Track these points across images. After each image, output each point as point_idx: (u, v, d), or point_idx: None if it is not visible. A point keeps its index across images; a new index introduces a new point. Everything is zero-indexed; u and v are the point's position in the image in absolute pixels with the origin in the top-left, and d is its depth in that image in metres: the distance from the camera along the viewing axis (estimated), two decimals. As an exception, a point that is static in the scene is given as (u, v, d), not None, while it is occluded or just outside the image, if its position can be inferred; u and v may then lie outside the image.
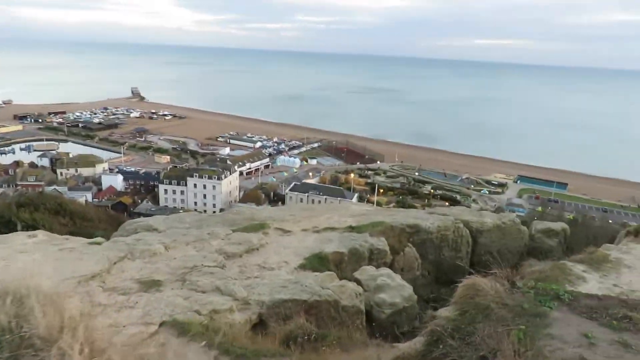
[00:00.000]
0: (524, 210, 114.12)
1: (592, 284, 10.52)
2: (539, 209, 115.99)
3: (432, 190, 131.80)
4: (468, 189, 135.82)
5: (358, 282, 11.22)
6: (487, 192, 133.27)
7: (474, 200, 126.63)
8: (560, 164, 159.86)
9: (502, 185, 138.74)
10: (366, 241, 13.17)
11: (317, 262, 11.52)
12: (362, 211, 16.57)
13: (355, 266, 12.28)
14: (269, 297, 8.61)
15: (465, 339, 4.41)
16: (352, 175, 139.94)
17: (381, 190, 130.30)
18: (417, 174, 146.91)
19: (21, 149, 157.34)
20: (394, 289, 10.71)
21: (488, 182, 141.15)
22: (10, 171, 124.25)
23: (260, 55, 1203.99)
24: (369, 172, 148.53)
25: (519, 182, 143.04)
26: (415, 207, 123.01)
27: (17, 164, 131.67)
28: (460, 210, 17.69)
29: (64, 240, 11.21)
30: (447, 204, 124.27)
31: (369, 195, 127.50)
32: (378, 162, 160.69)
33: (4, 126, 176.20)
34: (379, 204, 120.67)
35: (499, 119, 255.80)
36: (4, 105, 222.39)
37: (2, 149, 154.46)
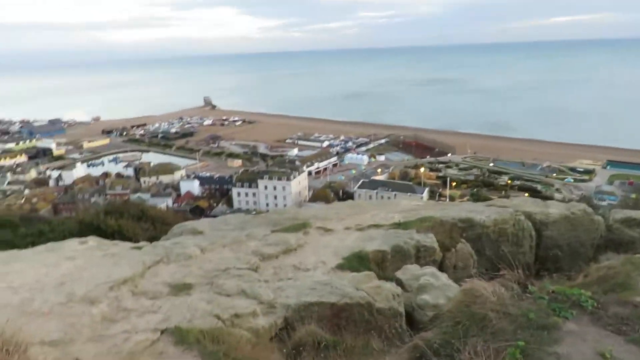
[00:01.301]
0: (615, 198, 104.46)
1: (674, 281, 9.02)
2: (634, 195, 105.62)
3: (509, 181, 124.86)
4: (550, 177, 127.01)
5: (399, 282, 10.54)
6: (572, 180, 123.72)
7: (557, 190, 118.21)
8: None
9: (589, 172, 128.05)
10: (412, 238, 12.38)
11: (356, 262, 10.98)
12: (411, 206, 15.71)
13: (400, 265, 11.56)
14: (295, 300, 8.25)
15: (453, 357, 3.71)
16: (422, 169, 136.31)
17: (453, 184, 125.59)
18: (491, 164, 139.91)
19: (109, 161, 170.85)
20: (438, 289, 9.89)
21: (572, 170, 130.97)
22: (100, 182, 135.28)
23: (322, 56, 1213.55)
24: (440, 165, 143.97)
25: (608, 167, 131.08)
26: (491, 200, 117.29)
27: (106, 174, 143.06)
28: (522, 201, 16.20)
29: (112, 246, 11.64)
30: (526, 194, 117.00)
31: (440, 189, 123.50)
32: (449, 154, 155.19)
33: (93, 141, 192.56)
34: (451, 197, 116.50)
35: (581, 101, 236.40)
36: (93, 121, 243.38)
37: (92, 161, 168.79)
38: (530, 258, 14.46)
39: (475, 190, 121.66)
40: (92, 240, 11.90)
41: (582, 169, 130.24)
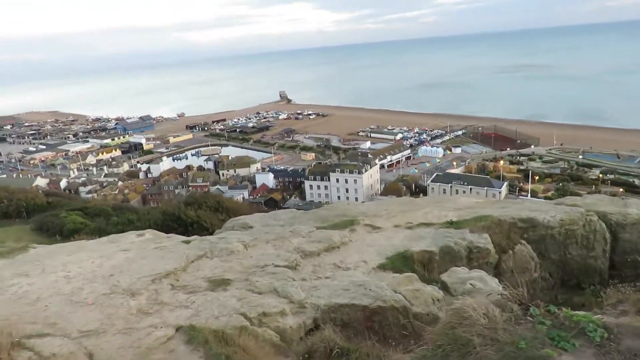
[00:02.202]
0: None
1: None
2: None
3: (600, 175, 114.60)
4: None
5: (444, 285, 9.98)
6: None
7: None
8: None
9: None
10: (464, 238, 11.67)
11: (400, 262, 10.56)
12: (470, 204, 14.81)
13: (449, 267, 10.94)
14: (325, 301, 8.08)
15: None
16: (501, 162, 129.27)
17: (536, 178, 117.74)
18: (581, 157, 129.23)
19: (192, 155, 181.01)
20: (484, 295, 9.21)
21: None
22: (183, 174, 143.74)
23: (399, 46, 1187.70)
24: (522, 158, 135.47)
25: None
26: (579, 195, 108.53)
27: (188, 167, 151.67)
28: (598, 199, 14.62)
29: (165, 239, 12.21)
30: (621, 190, 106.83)
31: (521, 184, 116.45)
32: (532, 146, 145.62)
33: (178, 136, 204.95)
34: (533, 192, 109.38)
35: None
36: (178, 118, 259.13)
37: (177, 155, 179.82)
38: (604, 263, 13.09)
39: (560, 184, 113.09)
40: (149, 233, 12.56)
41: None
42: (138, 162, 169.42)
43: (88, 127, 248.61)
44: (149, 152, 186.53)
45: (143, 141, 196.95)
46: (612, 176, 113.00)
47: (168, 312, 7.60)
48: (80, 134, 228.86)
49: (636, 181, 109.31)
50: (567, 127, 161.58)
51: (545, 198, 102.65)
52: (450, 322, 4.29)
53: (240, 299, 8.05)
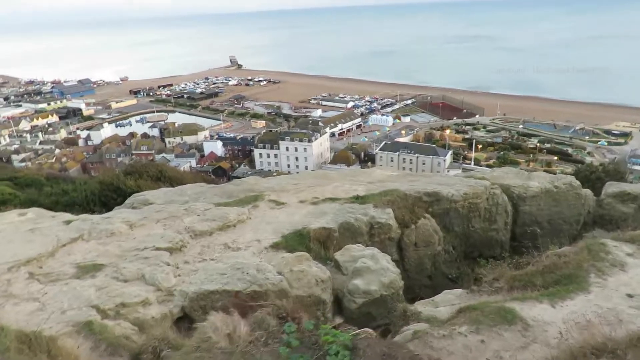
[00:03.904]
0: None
1: (634, 273, 7.87)
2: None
3: (538, 144, 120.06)
4: (583, 140, 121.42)
5: (337, 264, 9.75)
6: (606, 143, 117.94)
7: (588, 153, 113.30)
8: None
9: (625, 135, 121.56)
10: (366, 214, 11.44)
11: (295, 241, 10.19)
12: (382, 177, 14.65)
13: (350, 243, 10.71)
14: (196, 288, 7.58)
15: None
16: (447, 131, 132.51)
17: (479, 146, 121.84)
18: (521, 126, 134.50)
19: (136, 121, 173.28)
20: (374, 274, 9.03)
21: (607, 132, 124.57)
22: (126, 142, 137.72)
23: (353, 12, 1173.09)
24: (467, 127, 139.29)
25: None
26: (518, 163, 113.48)
27: (132, 135, 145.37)
28: (505, 172, 14.84)
29: (49, 219, 11.21)
30: (555, 158, 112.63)
31: (466, 152, 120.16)
32: (477, 115, 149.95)
33: (121, 101, 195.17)
34: (476, 160, 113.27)
35: (621, 59, 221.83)
36: (121, 82, 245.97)
37: (120, 122, 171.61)
38: (505, 235, 13.36)
39: (502, 153, 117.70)
40: (32, 212, 11.50)
41: (618, 132, 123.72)
42: (77, 128, 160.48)
43: (21, 90, 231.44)
44: (89, 118, 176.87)
45: (82, 106, 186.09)
46: (548, 145, 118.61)
47: (11, 306, 6.85)
48: (12, 97, 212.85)
49: (569, 150, 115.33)
50: (509, 97, 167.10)
51: (487, 166, 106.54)
52: (192, 345, 3.86)
53: (101, 288, 7.40)
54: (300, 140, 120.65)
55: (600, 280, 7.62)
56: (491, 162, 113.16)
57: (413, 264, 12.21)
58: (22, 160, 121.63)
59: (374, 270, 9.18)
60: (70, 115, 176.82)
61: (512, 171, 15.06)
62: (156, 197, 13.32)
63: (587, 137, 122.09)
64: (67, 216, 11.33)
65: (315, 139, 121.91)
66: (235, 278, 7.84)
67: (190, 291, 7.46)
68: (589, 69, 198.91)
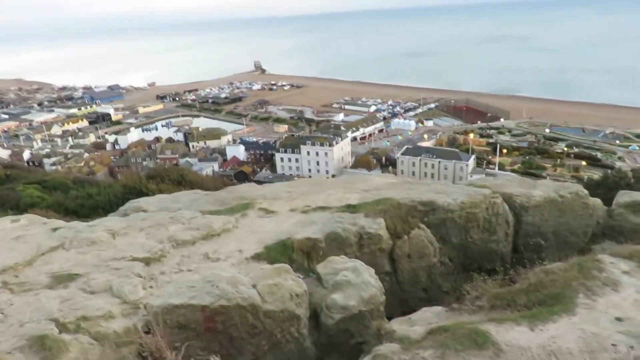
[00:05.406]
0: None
1: (627, 293, 7.29)
2: None
3: (566, 149, 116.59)
4: (613, 145, 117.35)
5: (319, 276, 9.43)
6: (637, 148, 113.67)
7: (619, 158, 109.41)
8: None
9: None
10: (355, 223, 11.08)
11: (278, 251, 9.93)
12: (378, 185, 14.23)
13: (338, 254, 10.38)
14: (161, 301, 7.40)
15: None
16: (471, 135, 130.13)
17: (504, 151, 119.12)
18: (548, 130, 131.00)
19: (162, 126, 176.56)
20: (354, 288, 8.69)
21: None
22: (152, 146, 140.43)
23: (384, 15, 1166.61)
24: (492, 131, 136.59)
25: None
26: (544, 168, 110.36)
27: (157, 139, 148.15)
28: (507, 180, 14.22)
29: (40, 225, 11.29)
30: (583, 163, 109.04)
31: (490, 157, 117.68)
32: (502, 119, 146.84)
33: (148, 106, 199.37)
34: (501, 165, 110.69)
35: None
36: (148, 87, 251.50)
37: (147, 126, 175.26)
38: (506, 247, 12.77)
39: (527, 158, 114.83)
40: (25, 219, 11.61)
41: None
42: (106, 133, 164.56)
43: (54, 95, 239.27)
44: (118, 122, 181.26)
45: (111, 111, 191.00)
46: (576, 149, 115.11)
47: (-28, 317, 6.83)
48: (46, 103, 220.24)
49: (599, 154, 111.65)
50: (536, 100, 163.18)
51: (512, 171, 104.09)
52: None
53: (66, 300, 7.30)
54: (322, 145, 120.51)
55: (589, 301, 7.09)
56: (516, 166, 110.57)
57: (407, 276, 11.78)
58: (53, 164, 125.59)
59: (355, 284, 8.83)
60: (99, 120, 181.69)
61: (517, 179, 14.46)
62: (150, 204, 13.30)
63: (618, 141, 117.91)
64: (58, 223, 11.39)
65: (337, 143, 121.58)
66: (203, 292, 7.63)
67: (155, 305, 7.29)
68: (621, 69, 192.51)
